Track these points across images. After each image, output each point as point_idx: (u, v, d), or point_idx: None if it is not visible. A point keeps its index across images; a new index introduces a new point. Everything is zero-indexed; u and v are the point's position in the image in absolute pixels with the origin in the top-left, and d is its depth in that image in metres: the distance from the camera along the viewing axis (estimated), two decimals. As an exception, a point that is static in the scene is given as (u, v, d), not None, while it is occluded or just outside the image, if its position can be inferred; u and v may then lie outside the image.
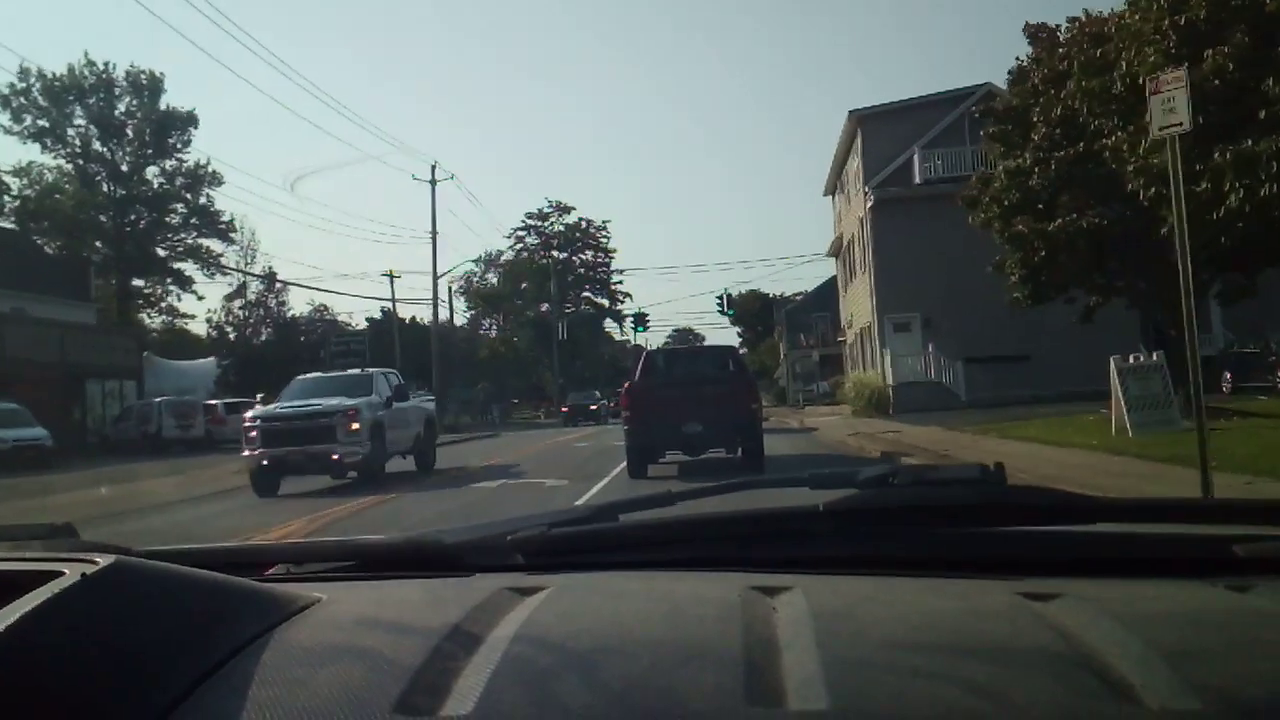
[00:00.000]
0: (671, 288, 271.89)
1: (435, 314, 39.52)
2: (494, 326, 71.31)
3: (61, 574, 0.79)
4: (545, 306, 62.86)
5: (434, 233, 38.97)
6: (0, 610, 0.72)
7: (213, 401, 33.78)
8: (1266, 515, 1.09)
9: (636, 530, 1.12)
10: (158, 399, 32.29)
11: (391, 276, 55.35)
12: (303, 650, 0.79)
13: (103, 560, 0.82)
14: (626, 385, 13.33)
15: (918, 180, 27.77)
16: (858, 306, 32.75)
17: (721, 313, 44.65)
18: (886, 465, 1.20)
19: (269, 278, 56.25)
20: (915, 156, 27.76)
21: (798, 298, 64.34)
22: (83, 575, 0.78)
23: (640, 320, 52.21)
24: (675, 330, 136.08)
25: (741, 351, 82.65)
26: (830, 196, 39.46)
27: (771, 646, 0.73)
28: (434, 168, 38.83)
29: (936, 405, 25.40)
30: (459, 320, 69.82)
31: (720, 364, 14.15)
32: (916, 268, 27.29)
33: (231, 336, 57.39)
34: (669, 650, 0.75)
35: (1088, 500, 1.09)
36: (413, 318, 59.39)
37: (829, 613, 0.81)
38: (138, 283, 54.42)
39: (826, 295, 58.24)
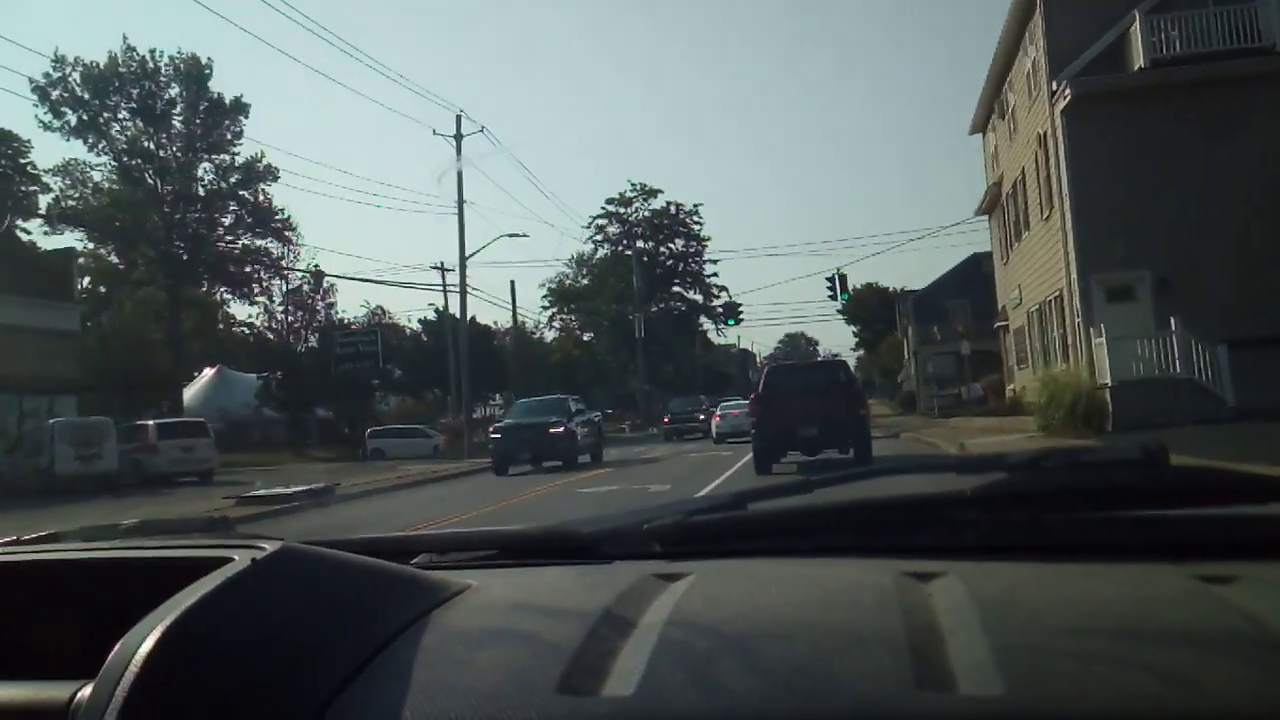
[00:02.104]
0: (770, 271, 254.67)
1: (463, 302, 31.35)
2: (581, 329, 63.07)
3: (232, 559, 0.83)
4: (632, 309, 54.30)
5: (460, 200, 30.61)
6: (178, 594, 0.76)
7: (145, 421, 25.93)
8: None
9: (777, 517, 1.10)
10: (52, 420, 23.94)
11: (442, 269, 47.92)
12: (461, 632, 0.81)
13: (270, 546, 0.86)
14: (753, 396, 15.82)
15: (1140, 63, 17.72)
16: (1033, 272, 22.82)
17: (833, 298, 35.19)
18: (1040, 449, 1.14)
19: (315, 275, 49.35)
20: (1136, 27, 17.79)
21: (917, 292, 53.58)
22: (253, 560, 0.82)
23: (731, 311, 43.14)
24: (786, 336, 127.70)
25: (858, 354, 74.50)
26: (980, 135, 29.49)
27: (934, 632, 0.71)
28: (459, 118, 30.67)
29: (1186, 414, 15.48)
30: (543, 327, 62.18)
31: (832, 376, 16.09)
32: (1141, 201, 17.37)
33: (274, 341, 50.83)
34: (828, 635, 0.74)
35: (1258, 479, 0.98)
36: (473, 318, 51.88)
37: (990, 599, 0.77)
38: (226, 295, 49.48)
39: (967, 278, 47.74)
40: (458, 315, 49.30)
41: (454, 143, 30.66)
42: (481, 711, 0.67)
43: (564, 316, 61.97)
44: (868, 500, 1.05)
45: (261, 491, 15.61)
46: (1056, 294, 20.21)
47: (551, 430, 19.67)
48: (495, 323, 62.34)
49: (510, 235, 34.39)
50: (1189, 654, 0.66)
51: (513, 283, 45.66)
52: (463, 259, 30.76)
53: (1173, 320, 16.70)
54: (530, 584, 0.98)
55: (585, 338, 62.28)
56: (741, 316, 61.96)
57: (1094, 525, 0.98)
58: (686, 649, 0.72)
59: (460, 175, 29.80)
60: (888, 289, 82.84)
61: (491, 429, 23.27)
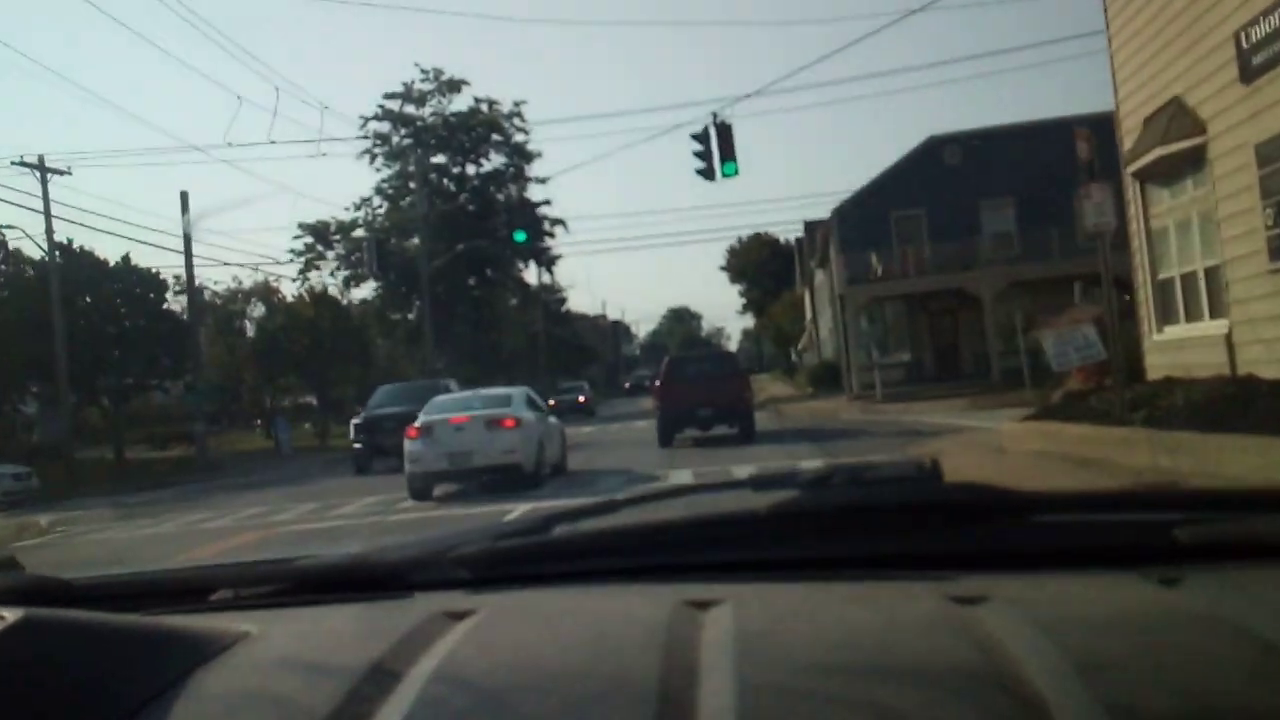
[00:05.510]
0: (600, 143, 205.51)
1: None
2: (351, 283, 43.32)
3: None
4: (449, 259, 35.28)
5: None
6: None
7: None
8: (1208, 504, 1.09)
9: (577, 541, 1.14)
10: None
11: (42, 168, 27.94)
12: (214, 699, 0.79)
13: (10, 616, 0.79)
14: (658, 382, 19.10)
15: None
16: None
17: (706, 174, 17.52)
18: (827, 465, 1.24)
19: None
20: None
21: (843, 204, 35.86)
22: None
23: (528, 222, 25.28)
24: (670, 310, 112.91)
25: (745, 318, 60.50)
26: None
27: (691, 674, 0.75)
28: None
29: None
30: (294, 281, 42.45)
31: (723, 365, 20.06)
32: None
33: None
34: (585, 684, 0.76)
35: (1023, 494, 1.07)
36: (126, 256, 31.92)
37: (753, 632, 0.82)
38: None
39: (919, 175, 30.93)
40: (65, 240, 29.68)
41: None
42: None
43: (318, 265, 42.28)
44: (663, 521, 1.09)
45: None
46: None
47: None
48: (235, 279, 42.77)
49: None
50: (921, 691, 0.70)
51: (184, 193, 25.87)
52: None
53: None
54: (310, 630, 0.95)
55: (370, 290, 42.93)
56: (552, 231, 43.56)
57: (866, 542, 1.02)
58: (443, 707, 0.73)
59: None
60: (779, 240, 66.35)
61: None
